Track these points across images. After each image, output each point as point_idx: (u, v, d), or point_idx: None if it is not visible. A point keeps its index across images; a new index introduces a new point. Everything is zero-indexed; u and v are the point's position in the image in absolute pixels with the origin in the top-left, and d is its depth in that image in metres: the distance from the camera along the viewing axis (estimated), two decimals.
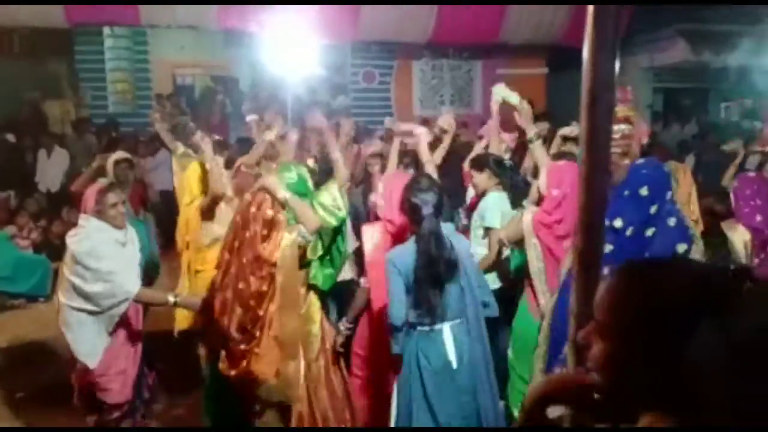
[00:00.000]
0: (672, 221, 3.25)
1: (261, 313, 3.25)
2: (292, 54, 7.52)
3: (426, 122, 8.22)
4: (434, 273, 3.12)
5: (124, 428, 3.65)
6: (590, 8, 1.41)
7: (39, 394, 4.72)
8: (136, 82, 11.78)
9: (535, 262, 3.61)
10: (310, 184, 3.90)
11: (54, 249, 7.30)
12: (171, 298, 3.65)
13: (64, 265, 3.65)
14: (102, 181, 4.37)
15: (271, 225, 3.24)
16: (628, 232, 3.15)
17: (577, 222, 1.47)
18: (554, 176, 3.63)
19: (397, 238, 3.66)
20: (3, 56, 10.27)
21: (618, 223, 3.20)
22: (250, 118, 5.64)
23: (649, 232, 3.15)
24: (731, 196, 4.86)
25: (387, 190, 3.74)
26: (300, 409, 3.53)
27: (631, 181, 3.24)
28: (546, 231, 3.56)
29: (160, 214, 6.96)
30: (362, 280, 3.90)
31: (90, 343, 3.58)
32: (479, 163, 4.36)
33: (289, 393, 3.42)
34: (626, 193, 3.18)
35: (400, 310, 3.12)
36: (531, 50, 11.25)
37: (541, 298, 3.56)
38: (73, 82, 11.97)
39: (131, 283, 3.61)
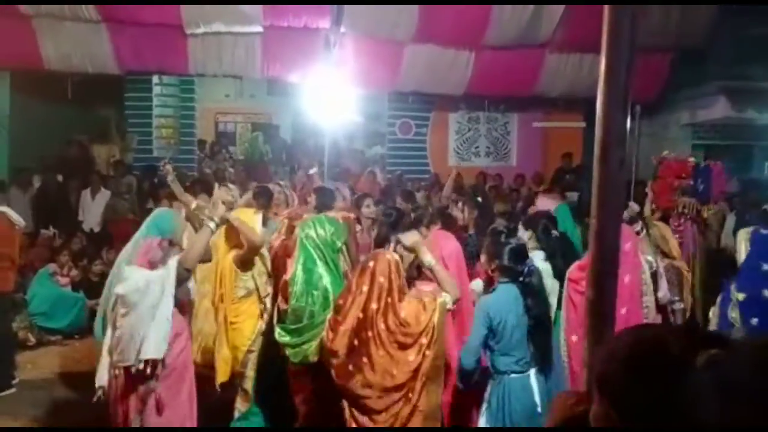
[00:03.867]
0: None
1: None
2: (332, 103, 7.70)
3: (458, 175, 8.33)
4: (536, 319, 3.28)
5: (123, 428, 3.56)
6: (602, 63, 1.44)
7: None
8: (181, 128, 12.14)
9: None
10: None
11: (92, 287, 7.46)
12: None
13: None
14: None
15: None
16: None
17: (588, 273, 1.47)
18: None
19: None
20: (56, 101, 10.71)
21: None
22: (312, 171, 5.86)
23: None
24: None
25: (440, 249, 3.86)
26: None
27: None
28: (573, 285, 3.79)
29: None
30: None
31: None
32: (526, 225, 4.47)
33: None
34: None
35: (472, 357, 3.29)
36: (568, 103, 11.20)
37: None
38: (120, 127, 12.42)
39: None
